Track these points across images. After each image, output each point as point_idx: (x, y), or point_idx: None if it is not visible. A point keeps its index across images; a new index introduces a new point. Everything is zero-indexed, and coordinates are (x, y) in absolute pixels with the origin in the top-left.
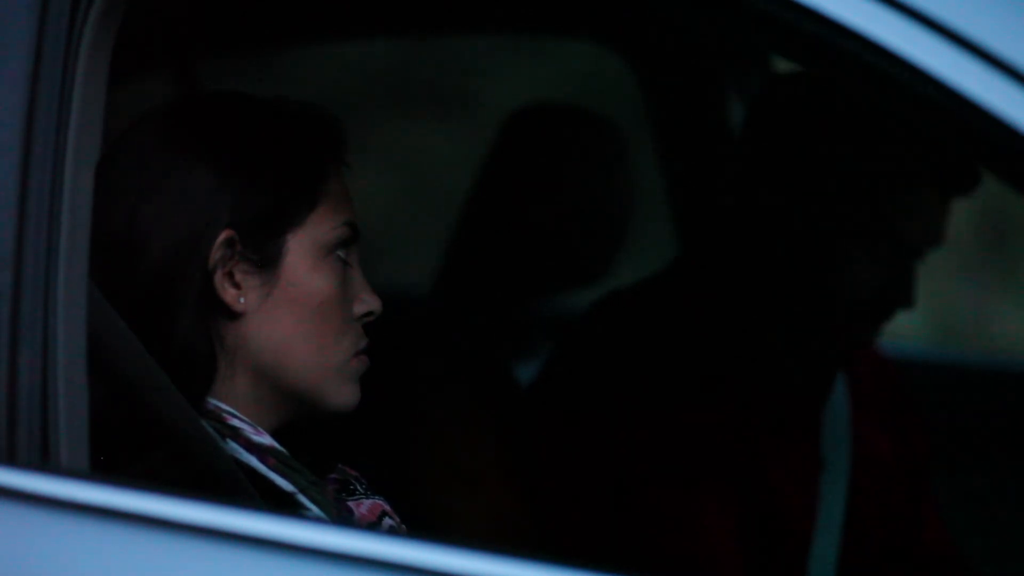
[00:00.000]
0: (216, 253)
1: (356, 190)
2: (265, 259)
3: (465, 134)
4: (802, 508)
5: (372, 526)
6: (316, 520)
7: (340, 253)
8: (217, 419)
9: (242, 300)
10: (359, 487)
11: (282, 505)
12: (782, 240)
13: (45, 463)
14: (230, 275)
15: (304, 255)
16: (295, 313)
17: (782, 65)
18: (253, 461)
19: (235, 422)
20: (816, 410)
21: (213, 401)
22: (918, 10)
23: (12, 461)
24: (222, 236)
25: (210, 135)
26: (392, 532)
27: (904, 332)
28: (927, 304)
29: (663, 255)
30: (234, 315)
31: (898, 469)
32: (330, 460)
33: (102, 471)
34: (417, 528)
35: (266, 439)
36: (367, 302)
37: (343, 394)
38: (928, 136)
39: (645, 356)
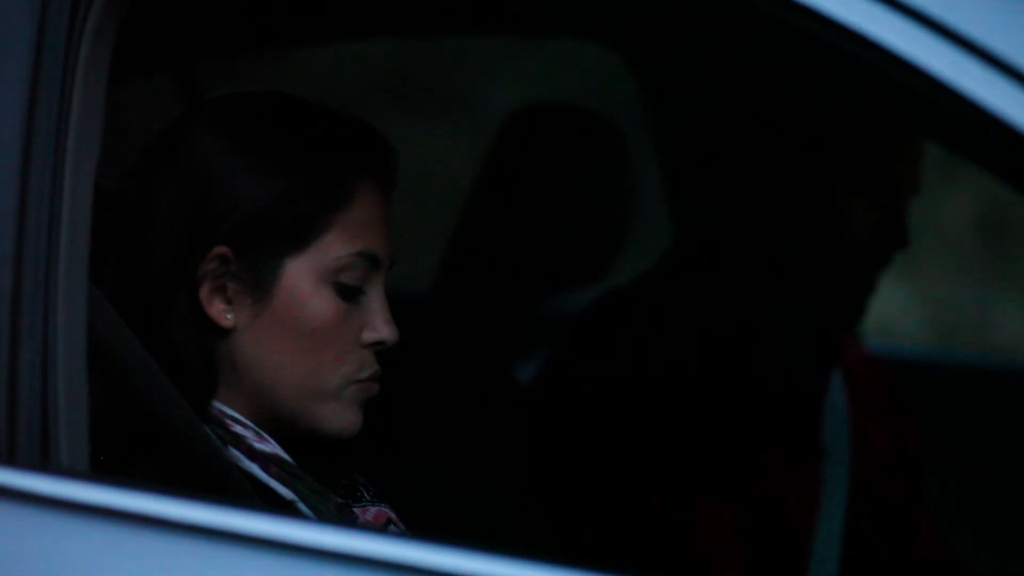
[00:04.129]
0: (206, 266)
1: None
2: (258, 281)
3: (465, 134)
4: (804, 503)
5: None
6: (316, 520)
7: (345, 280)
8: (220, 425)
9: (229, 316)
10: (366, 494)
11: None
12: (774, 200)
13: (45, 463)
14: (223, 289)
15: (301, 280)
16: (287, 335)
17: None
18: (254, 468)
19: (238, 429)
20: (816, 404)
21: (218, 405)
22: (918, 10)
23: (12, 461)
24: (216, 251)
25: (237, 135)
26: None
27: (904, 332)
28: (927, 304)
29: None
30: (224, 329)
31: (896, 467)
32: (343, 466)
33: (102, 471)
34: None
35: (269, 446)
36: (380, 330)
37: (339, 420)
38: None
39: (644, 354)
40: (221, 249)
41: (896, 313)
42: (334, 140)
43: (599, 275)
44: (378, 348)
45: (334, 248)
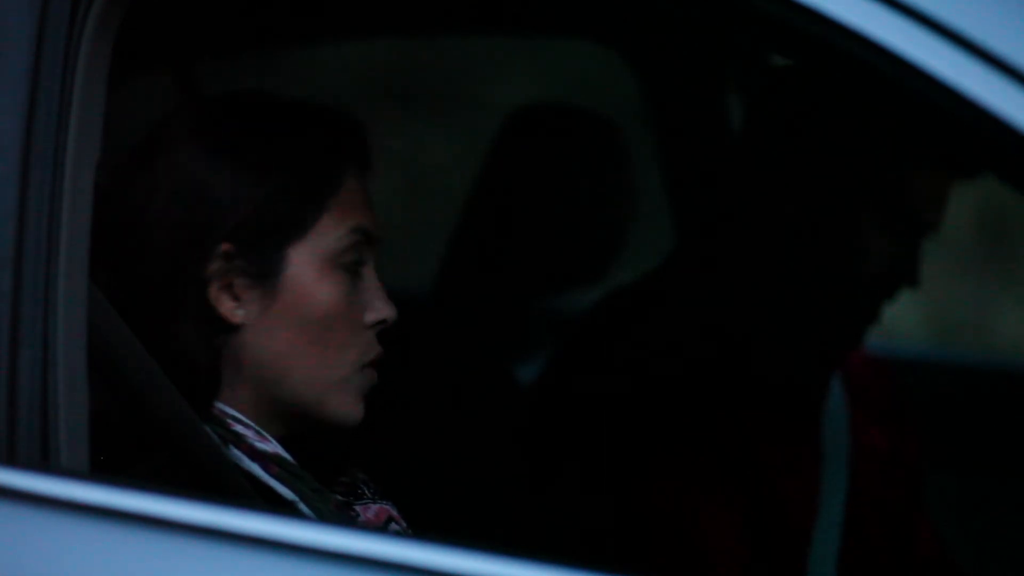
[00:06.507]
0: (212, 265)
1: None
2: (265, 272)
3: (465, 134)
4: (803, 504)
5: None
6: (316, 520)
7: (346, 259)
8: (221, 424)
9: (239, 312)
10: (367, 491)
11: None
12: (791, 220)
13: (45, 463)
14: (229, 286)
15: (307, 266)
16: (296, 325)
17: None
18: (255, 468)
19: (239, 428)
20: (817, 405)
21: (219, 405)
22: (918, 10)
23: (12, 461)
24: (219, 249)
25: (220, 139)
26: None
27: (904, 332)
28: (927, 304)
29: (663, 255)
30: (234, 326)
31: (895, 467)
32: (343, 464)
33: (102, 471)
34: (423, 532)
35: (270, 446)
36: (380, 310)
37: (345, 409)
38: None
39: (646, 355)
40: (224, 247)
41: (896, 313)
42: (315, 131)
43: (599, 275)
44: (381, 327)
45: (331, 230)
